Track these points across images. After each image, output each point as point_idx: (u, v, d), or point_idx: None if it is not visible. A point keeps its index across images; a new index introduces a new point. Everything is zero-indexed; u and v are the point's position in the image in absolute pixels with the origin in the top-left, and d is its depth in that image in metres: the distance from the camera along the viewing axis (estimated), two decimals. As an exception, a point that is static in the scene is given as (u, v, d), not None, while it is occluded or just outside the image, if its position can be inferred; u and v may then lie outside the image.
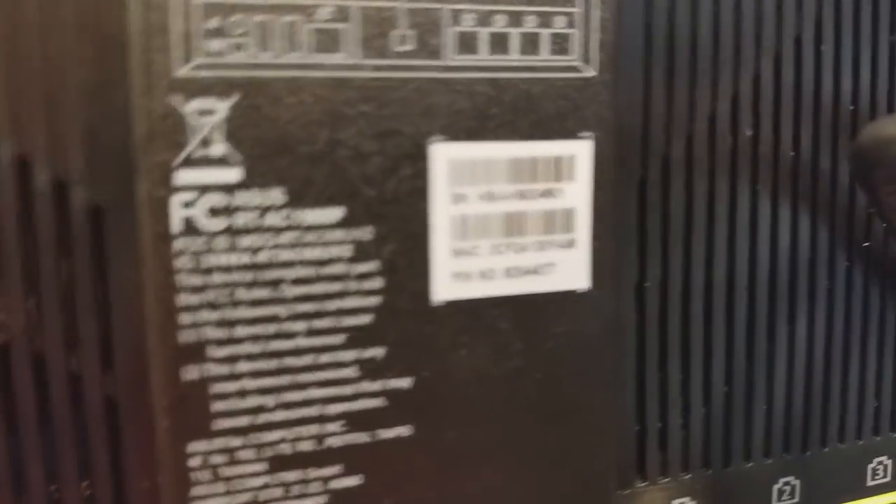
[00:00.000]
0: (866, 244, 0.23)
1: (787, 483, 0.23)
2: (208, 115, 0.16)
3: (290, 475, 0.18)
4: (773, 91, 0.21)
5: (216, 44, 0.16)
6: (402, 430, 0.19)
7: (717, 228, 0.21)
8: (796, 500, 0.23)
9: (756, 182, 0.22)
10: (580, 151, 0.19)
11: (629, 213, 0.21)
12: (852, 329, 0.23)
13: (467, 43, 0.18)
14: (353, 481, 0.19)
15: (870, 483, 0.24)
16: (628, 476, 0.22)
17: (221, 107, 0.16)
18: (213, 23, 0.16)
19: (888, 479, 0.25)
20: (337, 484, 0.19)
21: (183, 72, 0.16)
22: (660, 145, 0.21)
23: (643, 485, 0.22)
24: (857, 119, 0.22)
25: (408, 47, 0.18)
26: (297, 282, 0.18)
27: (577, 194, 0.20)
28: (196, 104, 0.16)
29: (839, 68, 0.22)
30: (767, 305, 0.22)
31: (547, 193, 0.19)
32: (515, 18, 0.18)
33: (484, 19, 0.18)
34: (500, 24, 0.18)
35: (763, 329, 0.22)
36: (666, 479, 0.22)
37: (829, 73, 0.22)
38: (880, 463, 0.24)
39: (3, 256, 0.16)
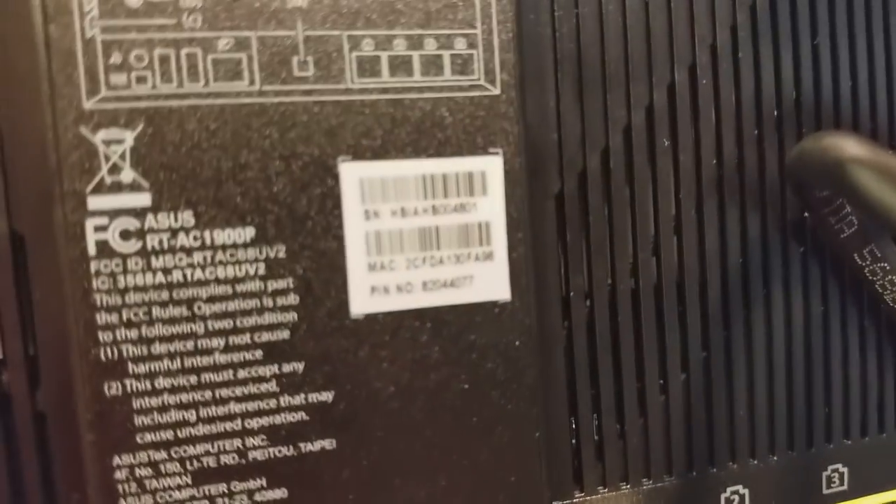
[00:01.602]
0: (802, 249, 0.23)
1: (734, 492, 0.23)
2: (116, 143, 0.17)
3: (216, 488, 0.19)
4: (690, 100, 0.21)
5: (119, 77, 0.17)
6: (325, 444, 0.20)
7: (640, 238, 0.22)
8: (746, 510, 0.23)
9: (678, 191, 0.22)
10: (490, 167, 0.20)
11: (548, 225, 0.21)
12: (794, 333, 0.23)
13: (368, 67, 0.19)
14: (277, 494, 0.19)
15: (826, 491, 0.24)
16: (566, 487, 0.22)
17: (128, 136, 0.18)
18: (116, 58, 0.17)
19: (845, 487, 0.24)
20: (261, 497, 0.19)
21: (90, 105, 0.17)
22: (575, 158, 0.21)
23: (581, 496, 0.22)
24: (783, 123, 0.22)
25: (309, 73, 0.19)
26: (212, 299, 0.18)
27: (492, 208, 0.20)
28: (104, 134, 0.17)
29: (759, 74, 0.22)
30: (699, 310, 0.22)
31: (460, 208, 0.20)
32: (416, 42, 0.19)
33: (383, 44, 0.19)
34: (400, 48, 0.19)
35: (697, 336, 0.22)
36: (605, 490, 0.22)
37: (750, 79, 0.22)
38: (835, 471, 0.24)
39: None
